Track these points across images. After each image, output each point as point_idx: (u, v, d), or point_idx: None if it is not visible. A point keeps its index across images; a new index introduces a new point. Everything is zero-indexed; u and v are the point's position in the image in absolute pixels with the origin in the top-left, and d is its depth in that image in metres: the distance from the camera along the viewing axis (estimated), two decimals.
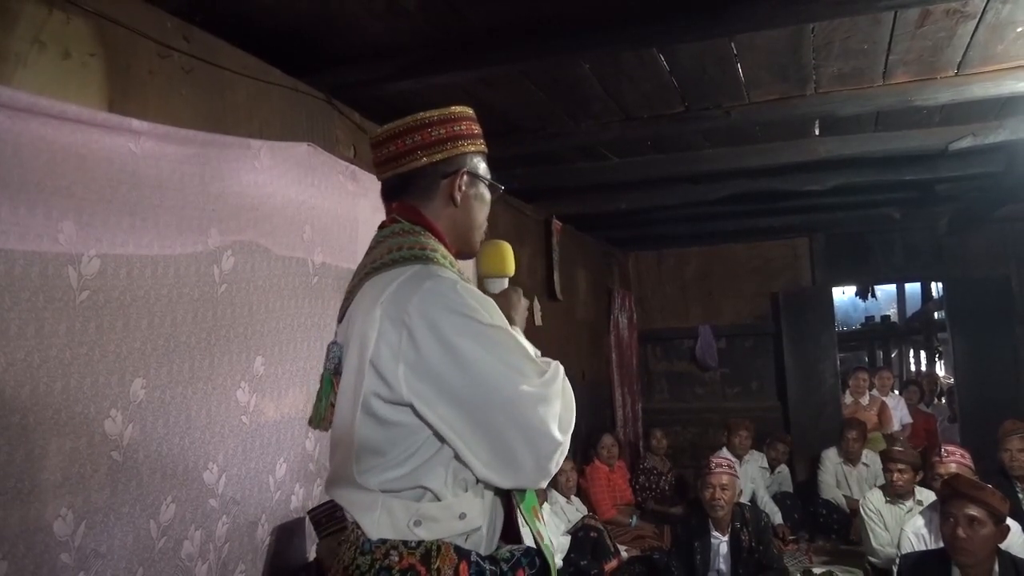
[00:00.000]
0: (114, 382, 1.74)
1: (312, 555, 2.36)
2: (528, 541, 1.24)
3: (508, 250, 1.55)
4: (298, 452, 2.40)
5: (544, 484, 1.23)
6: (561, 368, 1.25)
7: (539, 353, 1.31)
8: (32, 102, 1.55)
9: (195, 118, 2.07)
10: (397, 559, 1.14)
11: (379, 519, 1.16)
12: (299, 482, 2.40)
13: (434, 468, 1.17)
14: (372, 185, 2.71)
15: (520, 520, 1.24)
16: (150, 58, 1.96)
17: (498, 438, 1.15)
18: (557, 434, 1.16)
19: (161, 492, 1.86)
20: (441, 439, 1.16)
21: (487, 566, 1.17)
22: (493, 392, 1.14)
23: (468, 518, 1.18)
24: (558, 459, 1.19)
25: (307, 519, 2.34)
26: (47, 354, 1.59)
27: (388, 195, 1.37)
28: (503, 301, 1.39)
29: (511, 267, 1.54)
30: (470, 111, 1.37)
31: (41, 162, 1.57)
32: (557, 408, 1.18)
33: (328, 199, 2.57)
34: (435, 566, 1.13)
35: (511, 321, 1.34)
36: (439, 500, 1.17)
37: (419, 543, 1.15)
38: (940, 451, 3.48)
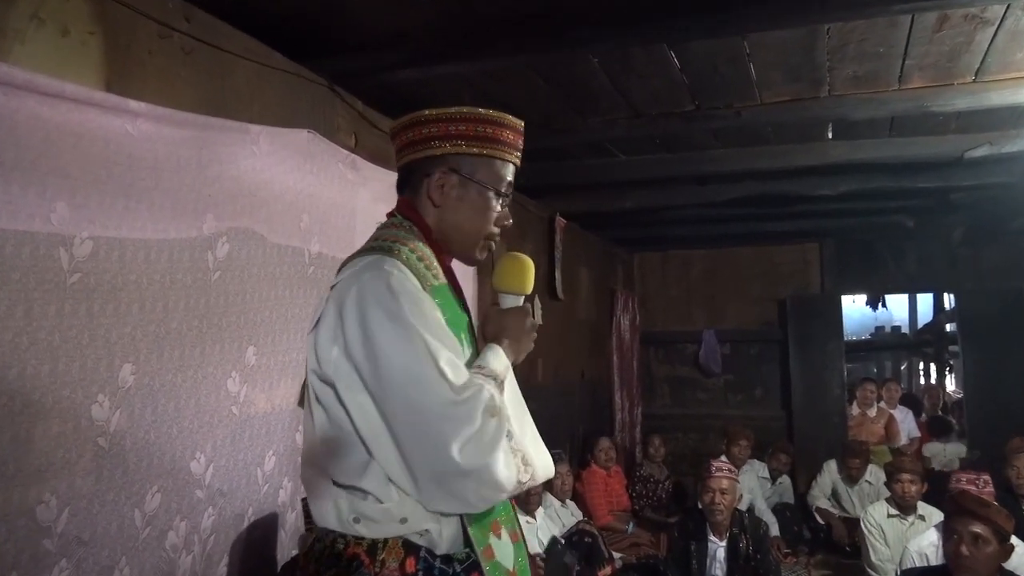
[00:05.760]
0: (103, 367, 1.72)
1: (296, 550, 2.33)
2: (477, 554, 1.17)
3: (527, 266, 1.36)
4: (288, 445, 2.36)
5: (460, 510, 1.13)
6: (491, 394, 1.14)
7: (506, 377, 1.23)
8: (29, 79, 1.52)
9: (194, 101, 2.04)
10: (343, 547, 1.15)
11: (327, 509, 1.17)
12: (287, 476, 2.36)
13: (372, 468, 1.14)
14: (371, 175, 2.73)
15: (469, 531, 1.17)
16: (150, 38, 1.94)
17: (400, 442, 1.11)
18: (456, 456, 1.06)
19: (147, 481, 1.84)
20: None
21: (438, 564, 1.14)
22: (396, 394, 1.11)
23: (410, 522, 1.14)
24: (476, 488, 1.08)
25: (301, 505, 2.30)
26: (35, 336, 1.56)
27: (398, 190, 1.40)
28: (504, 319, 1.32)
29: (528, 285, 1.36)
30: (480, 111, 1.29)
31: (36, 141, 1.55)
32: (467, 432, 1.08)
33: (327, 188, 2.54)
34: (380, 558, 1.13)
35: (498, 340, 1.27)
36: (380, 503, 1.14)
37: (362, 538, 1.15)
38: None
